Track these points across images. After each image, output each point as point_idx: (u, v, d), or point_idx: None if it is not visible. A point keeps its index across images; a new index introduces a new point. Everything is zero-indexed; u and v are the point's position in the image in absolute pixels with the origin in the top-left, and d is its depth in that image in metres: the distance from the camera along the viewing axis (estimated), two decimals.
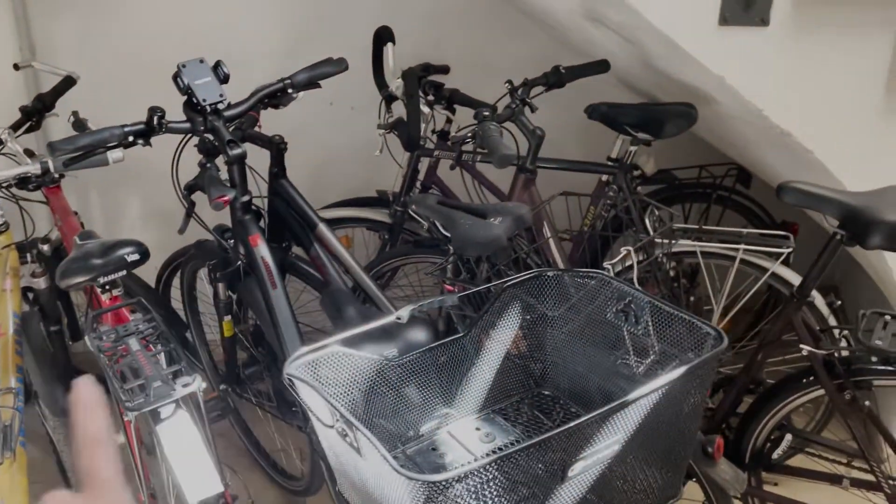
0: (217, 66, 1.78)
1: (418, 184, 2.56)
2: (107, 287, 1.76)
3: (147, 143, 1.73)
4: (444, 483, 0.82)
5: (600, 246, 2.57)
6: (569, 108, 2.53)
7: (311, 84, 1.93)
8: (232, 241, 1.94)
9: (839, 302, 2.16)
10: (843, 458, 1.86)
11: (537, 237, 2.18)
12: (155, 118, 1.69)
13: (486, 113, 1.89)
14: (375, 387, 1.19)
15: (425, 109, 2.35)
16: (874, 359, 1.63)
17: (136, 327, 1.65)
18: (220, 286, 2.03)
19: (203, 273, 2.25)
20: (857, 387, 1.68)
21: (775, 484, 1.95)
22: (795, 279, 2.16)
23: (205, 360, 2.47)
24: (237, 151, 1.75)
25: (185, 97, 1.75)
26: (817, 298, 2.05)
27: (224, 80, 1.78)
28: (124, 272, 1.70)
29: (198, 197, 1.84)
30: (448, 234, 1.67)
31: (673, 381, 0.94)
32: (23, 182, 2.06)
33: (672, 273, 2.27)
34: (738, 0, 1.80)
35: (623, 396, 1.01)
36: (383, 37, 2.41)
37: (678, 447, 1.07)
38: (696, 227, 2.20)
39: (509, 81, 2.21)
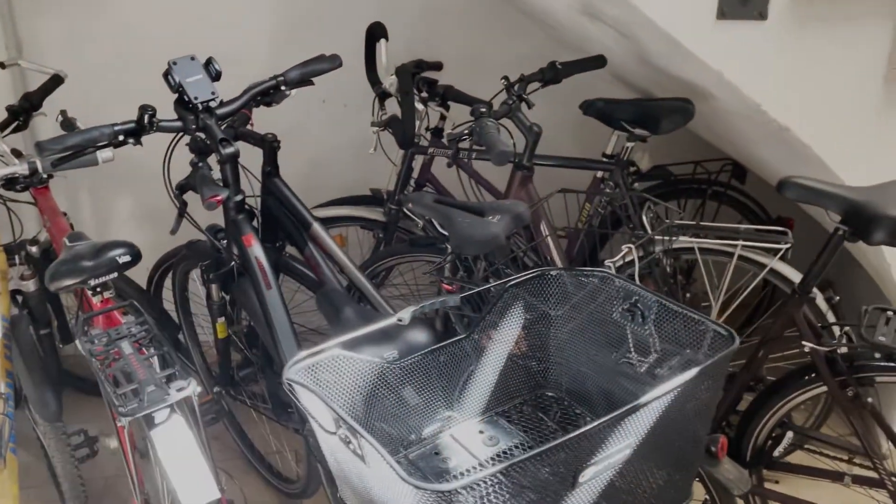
0: (208, 64, 1.75)
1: (412, 181, 2.54)
2: (98, 289, 1.72)
3: (138, 142, 1.69)
4: (453, 492, 0.80)
5: (597, 243, 2.55)
6: (562, 105, 2.51)
7: (305, 81, 1.90)
8: (225, 241, 1.91)
9: (837, 297, 2.15)
10: (844, 455, 1.85)
11: (535, 235, 2.16)
12: (146, 117, 1.65)
13: (484, 109, 1.87)
14: (376, 390, 1.16)
15: (419, 106, 2.33)
16: (877, 355, 1.62)
17: (129, 330, 1.62)
18: (214, 287, 1.99)
19: (195, 274, 2.22)
20: (860, 383, 1.67)
21: (776, 482, 1.94)
22: (793, 275, 2.15)
23: (198, 363, 2.44)
24: (230, 150, 1.72)
25: (177, 95, 1.71)
26: (817, 295, 2.04)
27: (216, 77, 1.75)
28: (116, 274, 1.66)
29: (190, 197, 1.81)
30: (446, 233, 1.64)
31: (686, 383, 0.92)
32: (10, 183, 2.02)
33: (669, 270, 2.26)
34: None
35: (628, 397, 0.99)
36: (376, 33, 2.38)
37: (689, 449, 1.05)
38: (694, 223, 2.19)
39: (505, 77, 2.18)
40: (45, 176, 2.07)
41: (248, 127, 2.02)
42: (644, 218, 2.16)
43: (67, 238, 1.74)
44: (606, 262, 1.66)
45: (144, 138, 1.71)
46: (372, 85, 2.43)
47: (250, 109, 1.97)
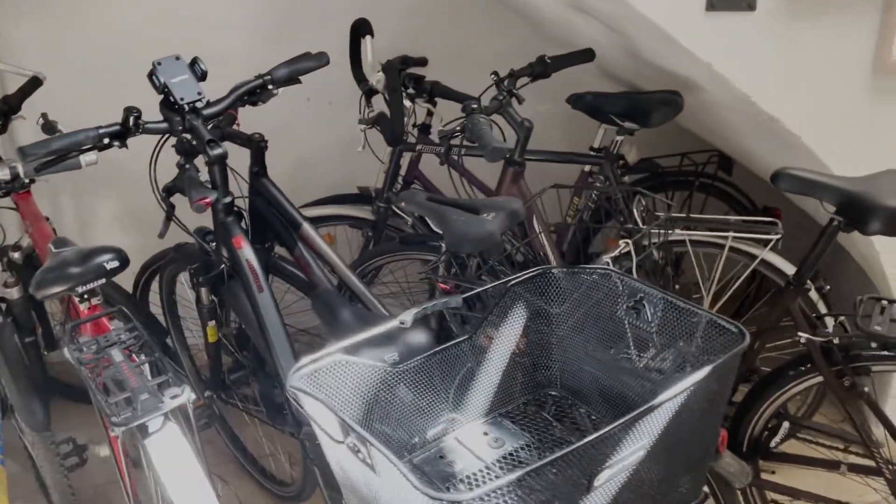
0: (194, 63, 1.71)
1: (400, 179, 2.51)
2: (85, 296, 1.69)
3: (123, 144, 1.66)
4: (469, 502, 0.78)
5: (585, 237, 2.55)
6: (548, 99, 2.50)
7: (292, 80, 1.87)
8: (214, 243, 1.88)
9: (828, 287, 2.16)
10: (839, 444, 1.86)
11: (528, 231, 2.15)
12: (131, 119, 1.62)
13: (475, 106, 1.85)
14: (378, 393, 1.14)
15: (406, 103, 2.30)
16: (873, 344, 1.62)
17: (119, 337, 1.59)
18: (203, 291, 1.96)
19: (183, 277, 2.18)
20: (856, 373, 1.67)
21: (773, 472, 1.94)
22: (784, 265, 2.16)
23: (187, 367, 2.40)
24: (218, 151, 1.69)
25: (162, 96, 1.68)
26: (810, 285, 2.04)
27: (201, 77, 1.72)
28: (104, 280, 1.63)
29: (177, 199, 1.77)
30: (440, 232, 1.62)
31: (699, 382, 0.91)
32: None
33: (661, 262, 2.26)
34: None
35: (632, 394, 0.98)
36: (361, 29, 2.35)
37: (701, 448, 1.04)
38: (685, 215, 2.19)
39: (495, 73, 2.16)
40: (26, 181, 2.03)
41: (235, 127, 1.99)
42: (635, 211, 2.16)
43: (52, 244, 1.71)
44: (604, 258, 1.65)
45: (129, 140, 1.68)
46: (358, 82, 2.40)
47: (236, 109, 1.94)
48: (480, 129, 1.73)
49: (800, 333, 1.71)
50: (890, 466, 1.70)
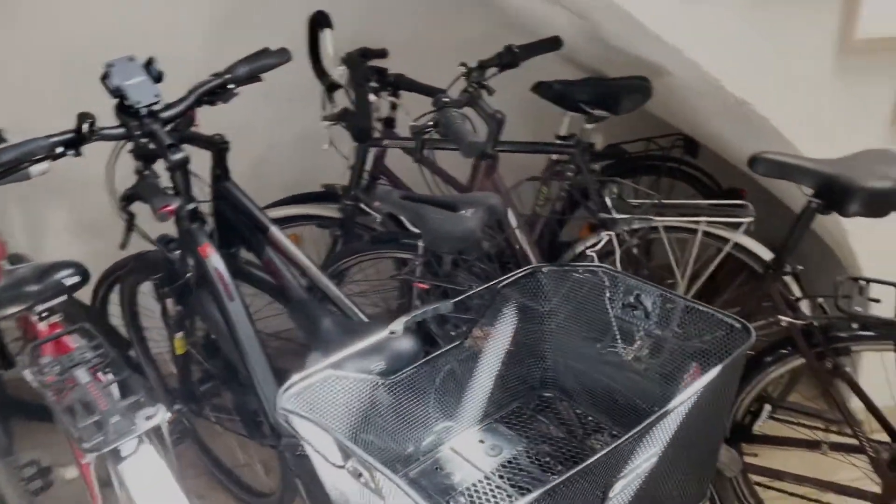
0: (149, 64, 1.63)
1: (366, 175, 2.45)
2: (44, 314, 1.60)
3: (77, 153, 1.56)
4: None
5: (555, 226, 2.52)
6: (508, 88, 2.45)
7: (253, 77, 1.80)
8: (178, 252, 1.80)
9: (801, 268, 2.17)
10: (820, 424, 1.87)
11: (504, 226, 2.11)
12: (85, 125, 1.53)
13: (447, 99, 1.80)
14: (371, 407, 1.09)
15: (370, 97, 2.24)
16: (854, 325, 1.63)
17: (83, 356, 1.51)
18: (169, 301, 1.88)
19: (145, 286, 2.09)
20: (837, 354, 1.68)
21: (755, 455, 1.95)
22: (758, 248, 2.17)
23: (153, 379, 2.31)
24: (179, 156, 1.61)
25: (117, 100, 1.59)
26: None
27: (158, 78, 1.64)
28: (64, 297, 1.54)
29: (136, 206, 1.69)
30: (417, 231, 1.58)
31: (708, 383, 0.89)
32: None
33: (635, 250, 2.25)
34: None
35: (629, 393, 0.94)
36: (320, 22, 2.28)
37: (709, 446, 1.02)
38: (657, 201, 2.18)
39: (464, 64, 2.11)
40: None
41: (195, 128, 1.90)
42: (608, 200, 2.15)
43: (7, 260, 1.61)
44: (588, 252, 1.62)
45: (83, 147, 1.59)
46: (319, 77, 2.32)
47: (195, 110, 1.85)
48: (454, 124, 1.68)
49: (780, 317, 1.71)
50: (873, 444, 1.71)
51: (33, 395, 1.43)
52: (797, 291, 2.12)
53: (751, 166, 1.63)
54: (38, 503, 1.93)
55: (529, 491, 1.01)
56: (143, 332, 2.32)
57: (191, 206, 1.71)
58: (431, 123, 1.79)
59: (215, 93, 1.76)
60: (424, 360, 1.15)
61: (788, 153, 1.63)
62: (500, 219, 2.00)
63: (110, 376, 1.46)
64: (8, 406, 2.41)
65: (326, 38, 2.28)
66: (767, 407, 1.87)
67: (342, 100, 2.32)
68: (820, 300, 1.82)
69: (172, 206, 1.53)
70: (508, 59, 2.14)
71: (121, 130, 1.60)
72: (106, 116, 1.62)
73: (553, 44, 2.20)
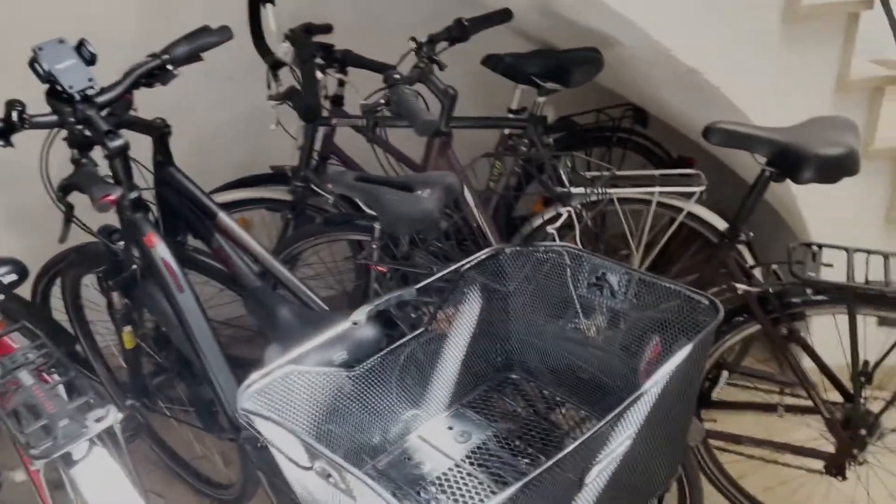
0: (80, 46, 1.53)
1: (315, 155, 2.38)
2: None
3: (8, 143, 1.48)
4: None
5: (509, 202, 2.50)
6: (458, 62, 2.41)
7: (192, 57, 1.72)
8: (122, 243, 1.72)
9: (752, 234, 2.20)
10: (775, 388, 1.91)
11: (461, 204, 2.07)
12: (14, 113, 1.44)
13: (398, 76, 1.74)
14: (335, 400, 1.06)
15: (318, 74, 2.17)
16: (808, 290, 1.66)
17: (26, 357, 1.43)
18: (115, 295, 1.80)
19: (88, 279, 2.00)
20: (792, 319, 1.71)
21: (714, 420, 1.98)
22: (711, 217, 2.18)
23: (102, 374, 2.23)
24: (118, 143, 1.53)
25: (48, 85, 1.50)
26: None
27: (91, 61, 1.55)
28: (2, 297, 1.46)
29: (75, 197, 1.60)
30: (373, 213, 1.53)
31: (680, 362, 0.88)
32: None
33: (590, 223, 2.25)
34: None
35: (595, 371, 0.93)
36: None
37: (680, 424, 1.02)
38: (611, 173, 2.18)
39: (413, 38, 2.06)
40: None
41: (132, 112, 1.81)
42: (563, 174, 2.13)
43: None
44: (548, 230, 1.60)
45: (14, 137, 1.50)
46: (262, 55, 2.24)
47: (132, 93, 1.76)
48: (407, 101, 1.63)
49: (736, 285, 1.73)
50: (825, 404, 1.75)
51: None
52: (750, 259, 2.15)
53: (705, 136, 1.63)
54: None
55: (501, 476, 1.00)
56: (88, 326, 2.23)
57: (133, 194, 1.64)
58: (383, 101, 1.74)
59: (153, 74, 1.67)
60: (388, 349, 1.12)
61: (741, 122, 1.63)
62: (457, 197, 1.96)
63: (56, 377, 1.39)
64: None
65: (268, 13, 2.20)
66: (725, 373, 1.90)
67: (288, 78, 2.24)
68: (774, 267, 1.84)
69: (113, 196, 1.45)
70: (458, 32, 2.09)
71: (54, 118, 1.52)
72: (37, 103, 1.53)
73: (503, 16, 2.16)
